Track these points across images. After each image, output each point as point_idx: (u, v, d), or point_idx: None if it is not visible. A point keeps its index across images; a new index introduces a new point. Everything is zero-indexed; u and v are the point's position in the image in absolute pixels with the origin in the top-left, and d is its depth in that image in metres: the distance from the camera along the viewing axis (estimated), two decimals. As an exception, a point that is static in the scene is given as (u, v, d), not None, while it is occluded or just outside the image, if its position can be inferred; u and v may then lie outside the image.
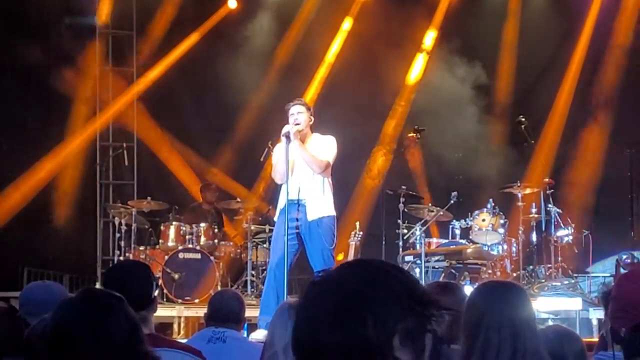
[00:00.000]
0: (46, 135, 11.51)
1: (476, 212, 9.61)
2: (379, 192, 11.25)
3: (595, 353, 3.28)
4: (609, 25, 11.80)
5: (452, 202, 9.58)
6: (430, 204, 10.25)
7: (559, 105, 12.02)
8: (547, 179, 9.93)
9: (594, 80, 11.71)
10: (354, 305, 1.56)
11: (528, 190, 10.00)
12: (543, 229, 9.73)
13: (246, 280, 10.23)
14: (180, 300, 9.55)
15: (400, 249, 9.53)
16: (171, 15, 12.37)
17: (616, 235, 10.55)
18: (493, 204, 9.57)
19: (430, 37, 12.49)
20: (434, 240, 9.94)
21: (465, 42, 12.18)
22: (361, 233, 9.94)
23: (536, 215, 9.87)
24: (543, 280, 9.59)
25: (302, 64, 12.36)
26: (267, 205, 10.63)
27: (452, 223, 9.87)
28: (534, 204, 9.92)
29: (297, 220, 6.93)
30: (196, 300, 9.60)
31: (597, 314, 8.09)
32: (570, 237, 9.69)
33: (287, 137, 6.85)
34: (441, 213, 9.73)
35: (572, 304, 8.48)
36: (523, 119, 10.09)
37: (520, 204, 9.87)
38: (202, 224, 10.30)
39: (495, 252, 9.51)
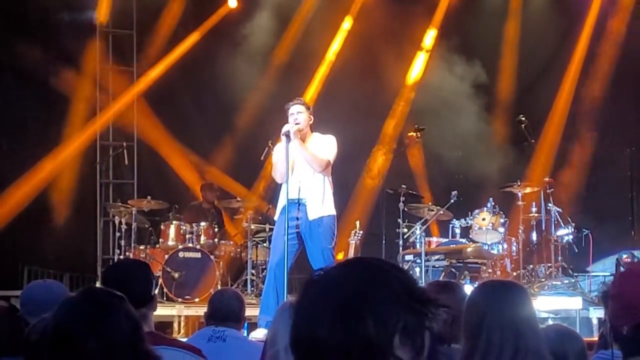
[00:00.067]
0: (46, 135, 11.50)
1: (476, 211, 9.60)
2: (379, 192, 11.25)
3: (595, 352, 3.27)
4: (608, 24, 11.79)
5: (452, 201, 9.59)
6: (430, 203, 10.24)
7: (559, 105, 12.01)
8: (547, 178, 9.93)
9: (592, 78, 11.70)
10: (354, 304, 1.56)
11: (528, 190, 10.00)
12: (543, 228, 9.73)
13: (246, 280, 10.22)
14: (180, 299, 9.55)
15: (401, 248, 9.53)
16: (171, 14, 12.38)
17: (616, 235, 10.54)
18: (493, 203, 9.57)
19: (430, 36, 12.49)
20: (434, 239, 9.95)
21: (465, 41, 12.18)
22: (361, 232, 9.93)
23: (536, 215, 9.87)
24: (543, 280, 9.58)
25: (302, 63, 12.35)
26: (267, 204, 10.63)
27: (452, 222, 9.87)
28: (534, 203, 9.92)
29: (298, 219, 6.93)
30: (196, 299, 9.60)
31: (597, 313, 8.07)
32: (571, 237, 9.68)
33: (287, 136, 6.84)
34: (441, 212, 9.73)
35: (572, 303, 8.47)
36: (523, 119, 10.09)
37: (520, 203, 9.87)
38: (202, 223, 10.30)
39: (495, 251, 9.51)
